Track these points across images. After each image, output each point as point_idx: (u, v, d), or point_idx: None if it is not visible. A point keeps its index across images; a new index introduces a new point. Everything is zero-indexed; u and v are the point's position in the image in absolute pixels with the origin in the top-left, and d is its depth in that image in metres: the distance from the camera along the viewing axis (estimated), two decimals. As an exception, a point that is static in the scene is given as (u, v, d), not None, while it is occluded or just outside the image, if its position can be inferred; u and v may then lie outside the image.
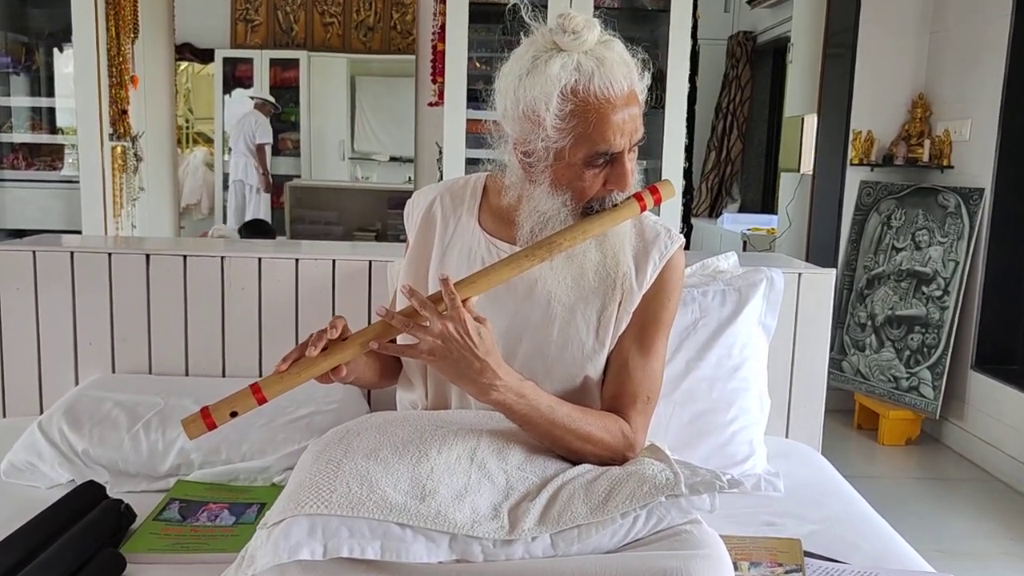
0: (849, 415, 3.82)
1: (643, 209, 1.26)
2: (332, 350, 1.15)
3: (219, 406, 1.12)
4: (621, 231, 1.29)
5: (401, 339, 1.24)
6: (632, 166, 1.24)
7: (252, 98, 4.98)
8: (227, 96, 5.33)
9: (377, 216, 5.13)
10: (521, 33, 1.23)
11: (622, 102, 1.17)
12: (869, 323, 3.65)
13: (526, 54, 1.19)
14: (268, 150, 4.98)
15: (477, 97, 3.03)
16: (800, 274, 1.94)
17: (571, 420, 1.23)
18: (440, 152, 3.53)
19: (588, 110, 1.16)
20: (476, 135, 3.02)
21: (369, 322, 1.91)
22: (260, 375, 1.92)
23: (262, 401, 1.13)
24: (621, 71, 1.18)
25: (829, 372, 3.56)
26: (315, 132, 5.65)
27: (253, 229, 4.51)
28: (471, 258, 1.35)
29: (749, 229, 5.02)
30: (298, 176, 5.53)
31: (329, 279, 1.91)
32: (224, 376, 1.93)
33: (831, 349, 3.67)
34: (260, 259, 1.91)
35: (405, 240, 1.46)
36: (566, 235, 1.22)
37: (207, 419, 1.11)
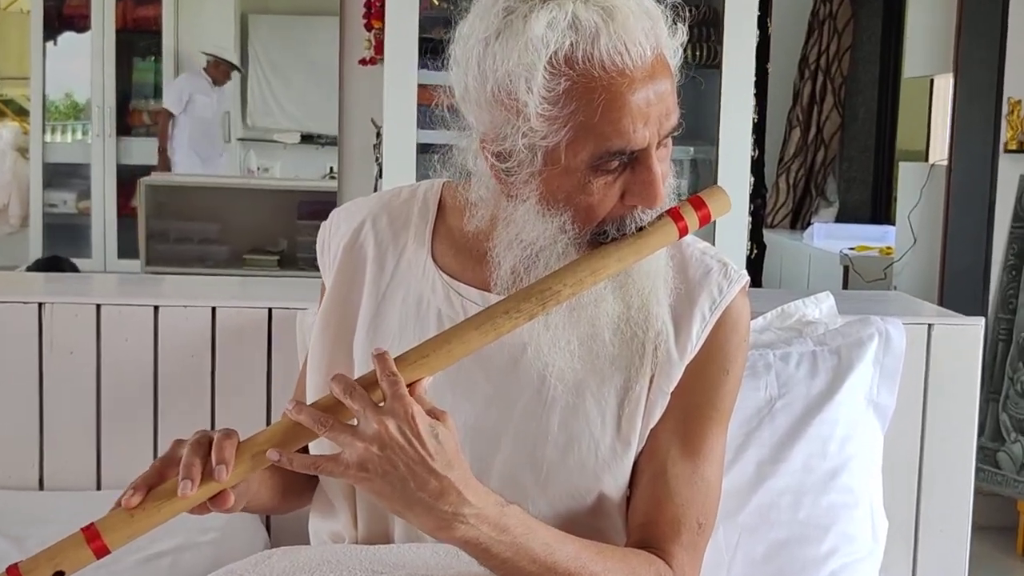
0: (1011, 535, 3.82)
1: (683, 233, 1.26)
2: (210, 470, 1.14)
3: (37, 562, 1.11)
4: (651, 268, 1.29)
5: (315, 447, 1.23)
6: (665, 168, 1.24)
7: (206, 55, 5.04)
8: (51, 44, 5.37)
9: (281, 230, 5.11)
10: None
11: (644, 74, 1.18)
12: (1038, 393, 3.67)
13: (495, 5, 1.20)
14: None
15: (433, 52, 3.05)
16: (930, 325, 1.94)
17: (580, 565, 1.21)
18: (378, 133, 3.54)
19: (592, 88, 1.17)
20: (432, 109, 3.02)
21: (269, 411, 1.91)
22: (98, 489, 1.91)
23: (102, 552, 1.12)
24: (640, 26, 1.18)
25: (978, 470, 3.56)
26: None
27: (48, 269, 4.52)
28: (422, 313, 1.36)
29: (852, 248, 5.05)
30: (156, 167, 5.55)
31: (207, 337, 1.91)
32: (41, 488, 1.92)
33: (980, 435, 3.68)
34: (99, 306, 1.91)
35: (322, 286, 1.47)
36: (567, 277, 1.22)
37: None
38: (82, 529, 1.13)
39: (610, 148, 1.19)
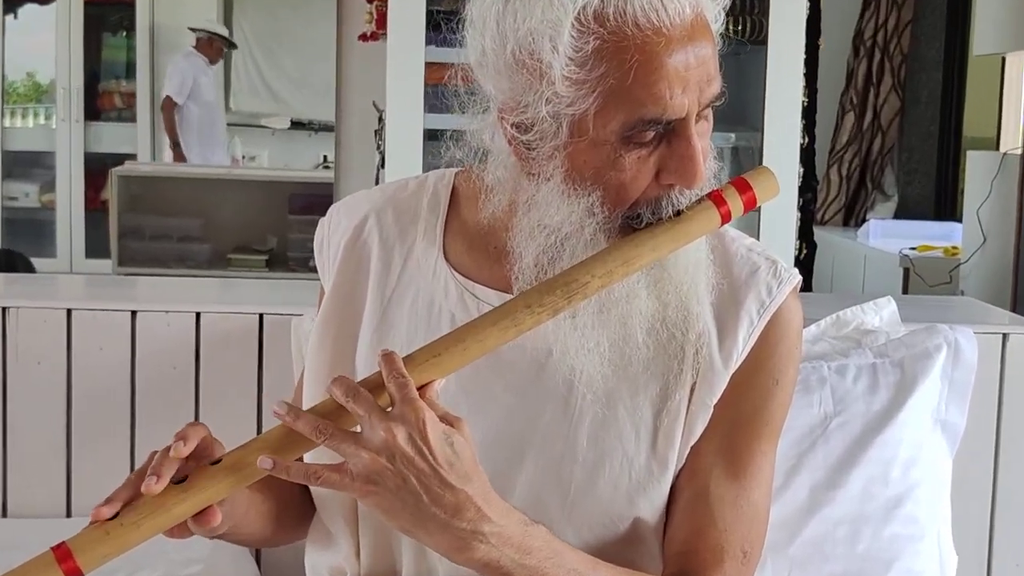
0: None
1: (726, 219, 1.27)
2: (193, 480, 1.15)
3: None
4: (690, 262, 1.29)
5: (312, 457, 1.23)
6: (705, 145, 1.25)
7: (195, 31, 5.05)
8: (10, 17, 5.40)
9: (270, 226, 5.13)
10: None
11: (682, 34, 1.18)
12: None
13: None
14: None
15: (443, 26, 3.05)
16: (1005, 334, 1.95)
17: (613, 597, 1.24)
18: (380, 118, 3.54)
19: (624, 48, 1.17)
20: (442, 89, 3.01)
21: (260, 430, 1.91)
22: (68, 516, 1.92)
23: (74, 575, 1.12)
24: (680, -18, 1.20)
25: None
26: (164, 78, 5.67)
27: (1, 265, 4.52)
28: (433, 318, 1.36)
29: (913, 248, 5.05)
30: (132, 157, 5.56)
31: (190, 346, 1.92)
32: (5, 515, 1.93)
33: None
34: (70, 311, 1.92)
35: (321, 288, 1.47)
36: (596, 267, 1.22)
37: None
38: (52, 548, 1.13)
39: (644, 116, 1.19)
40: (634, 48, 1.17)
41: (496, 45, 1.22)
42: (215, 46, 5.12)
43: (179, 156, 5.15)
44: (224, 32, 5.02)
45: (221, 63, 5.26)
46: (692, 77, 1.19)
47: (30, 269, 4.60)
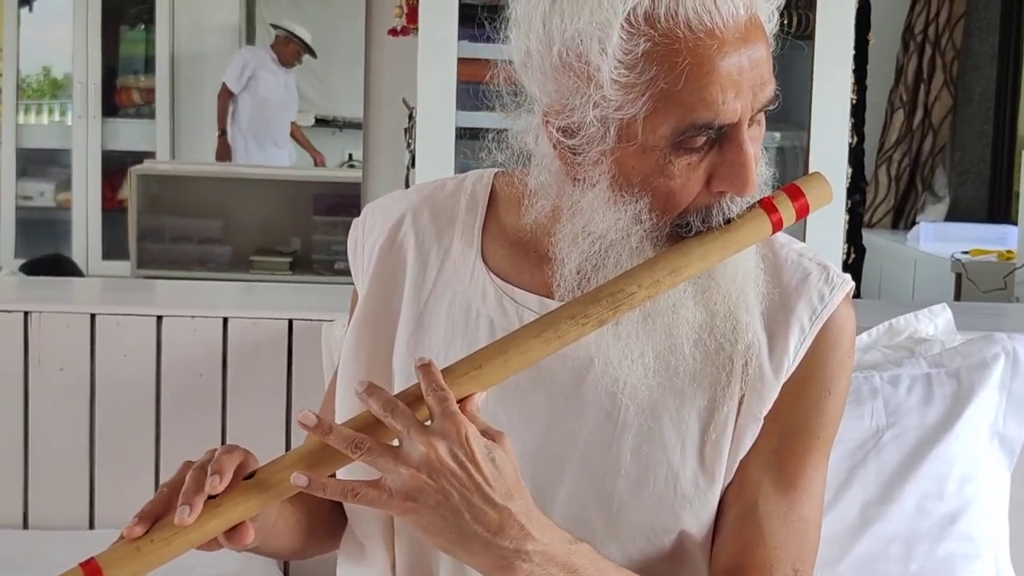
0: None
1: (777, 227, 1.27)
2: (226, 496, 1.16)
3: None
4: (739, 270, 1.30)
5: (347, 472, 1.24)
6: (757, 151, 1.25)
7: (275, 28, 5.02)
8: (25, 10, 5.43)
9: (294, 227, 5.13)
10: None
11: (736, 36, 1.18)
12: None
13: None
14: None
15: (478, 21, 3.05)
16: (1065, 343, 1.94)
17: (659, 616, 1.25)
18: (411, 116, 3.55)
19: (676, 51, 1.17)
20: (477, 86, 3.02)
21: (288, 440, 1.93)
22: (91, 528, 1.94)
23: (102, 595, 1.14)
24: (733, -18, 1.21)
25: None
26: (185, 74, 5.68)
27: (47, 270, 4.53)
28: (470, 323, 1.37)
29: (965, 252, 5.02)
30: (151, 155, 5.58)
31: (217, 352, 1.93)
32: (26, 527, 1.95)
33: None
34: (93, 316, 1.93)
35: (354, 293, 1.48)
36: (643, 277, 1.23)
37: None
38: (80, 564, 1.14)
39: (695, 121, 1.19)
40: (686, 51, 1.17)
41: (542, 46, 1.22)
42: (290, 48, 5.10)
43: (222, 150, 5.16)
44: (304, 35, 5.01)
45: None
46: (745, 81, 1.19)
47: (79, 275, 4.62)
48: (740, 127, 1.21)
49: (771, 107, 1.24)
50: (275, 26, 5.13)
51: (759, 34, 1.21)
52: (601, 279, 1.25)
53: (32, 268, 4.60)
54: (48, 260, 4.69)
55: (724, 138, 1.21)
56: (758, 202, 1.26)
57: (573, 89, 1.22)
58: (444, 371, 1.18)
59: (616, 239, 1.25)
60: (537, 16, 1.22)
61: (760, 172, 1.26)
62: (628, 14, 1.17)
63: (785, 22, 1.27)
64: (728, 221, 1.25)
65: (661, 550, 1.33)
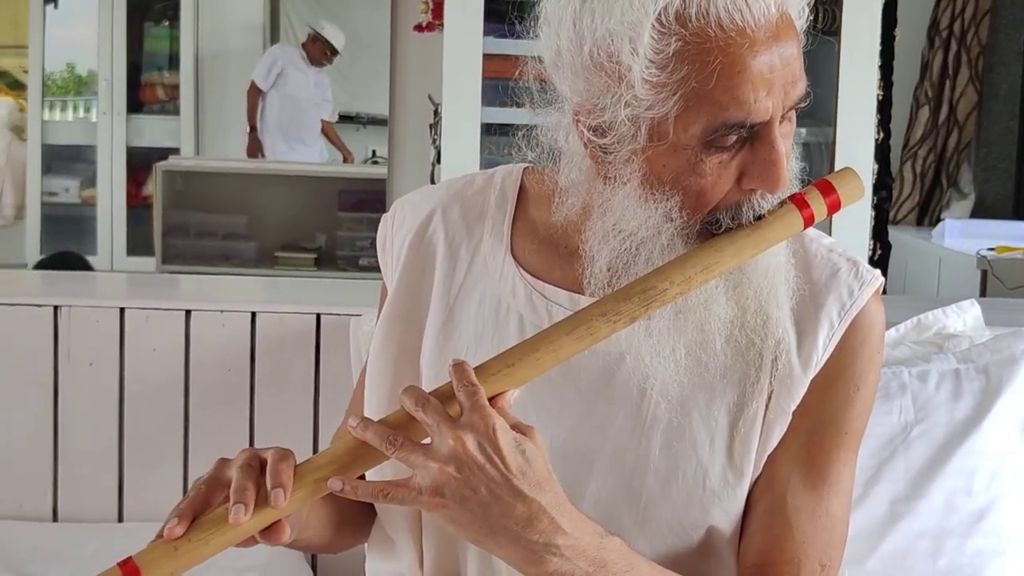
0: None
1: (808, 223, 1.27)
2: (263, 495, 1.15)
3: None
4: (769, 266, 1.30)
5: (375, 474, 1.25)
6: (788, 147, 1.25)
7: (310, 29, 5.02)
8: (50, 7, 5.45)
9: (318, 223, 5.14)
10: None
11: (767, 35, 1.18)
12: None
13: None
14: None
15: (505, 16, 3.05)
16: (1093, 339, 1.93)
17: (688, 610, 1.25)
18: (436, 112, 3.56)
19: (707, 50, 1.17)
20: (503, 81, 3.02)
21: (316, 433, 1.93)
22: (120, 521, 1.95)
23: (141, 594, 1.15)
24: (764, -20, 1.21)
25: None
26: (208, 70, 5.70)
27: (58, 266, 4.55)
28: (500, 319, 1.37)
29: (991, 249, 4.99)
30: (175, 151, 5.60)
31: (245, 347, 1.94)
32: (56, 520, 1.96)
33: None
34: (122, 310, 1.95)
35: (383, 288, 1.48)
36: (674, 273, 1.23)
37: None
38: (119, 564, 1.14)
39: (727, 120, 1.19)
40: (717, 50, 1.17)
41: (572, 46, 1.23)
42: (317, 47, 5.11)
43: (253, 147, 5.16)
44: (335, 39, 5.00)
45: (261, 54, 5.27)
46: (777, 79, 1.19)
47: (88, 270, 4.64)
48: (772, 125, 1.21)
49: (803, 104, 1.24)
50: (309, 26, 5.13)
51: (790, 32, 1.21)
52: (632, 276, 1.25)
53: (43, 267, 4.62)
54: (57, 258, 4.71)
55: (755, 136, 1.21)
56: (789, 198, 1.27)
57: (604, 88, 1.22)
58: (476, 369, 1.18)
59: (647, 237, 1.25)
60: (568, 15, 1.22)
61: (791, 167, 1.25)
62: (659, 14, 1.17)
63: (812, 18, 1.27)
64: (759, 218, 1.25)
65: (689, 545, 1.34)
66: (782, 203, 1.26)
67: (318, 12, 5.19)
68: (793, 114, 1.25)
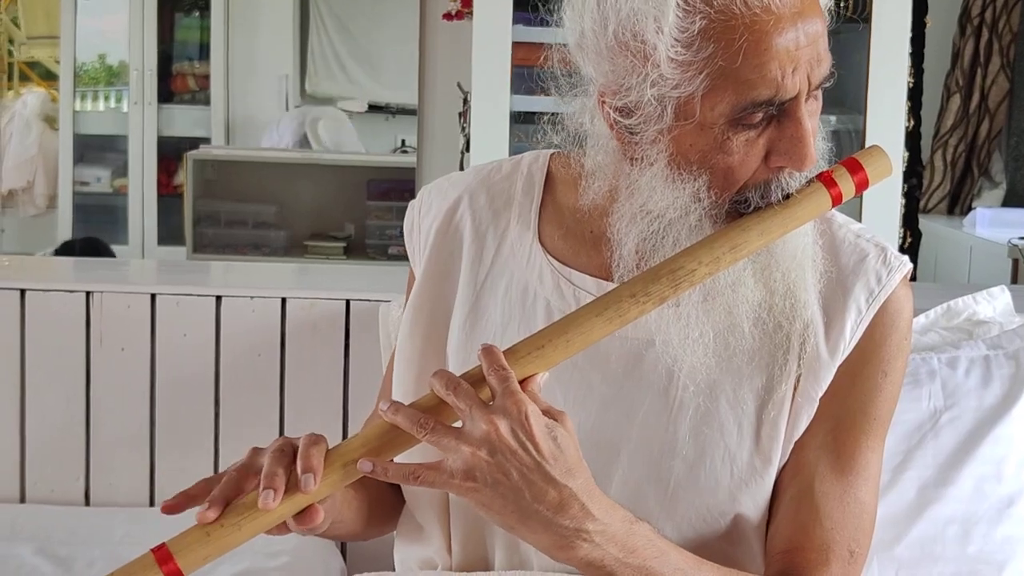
0: None
1: (836, 201, 1.27)
2: (295, 481, 1.16)
3: None
4: (797, 248, 1.30)
5: (404, 459, 1.23)
6: (815, 123, 1.25)
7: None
8: (82, 1, 5.47)
9: (347, 212, 5.15)
10: None
11: (792, 11, 1.18)
12: None
13: None
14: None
15: (533, 4, 3.05)
16: (1124, 326, 1.92)
17: (717, 596, 1.25)
18: (465, 100, 3.56)
19: (733, 28, 1.17)
20: (532, 69, 3.02)
21: (345, 418, 1.94)
22: (151, 505, 1.96)
23: (175, 578, 1.16)
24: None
25: None
26: (238, 61, 5.72)
27: (82, 252, 4.55)
28: (527, 305, 1.37)
29: (1022, 237, 4.97)
30: (207, 141, 5.63)
31: (275, 332, 1.95)
32: (88, 504, 1.97)
33: None
34: (153, 296, 1.96)
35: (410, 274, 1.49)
36: (702, 254, 1.23)
37: None
38: (152, 550, 1.15)
39: (754, 98, 1.19)
40: (743, 27, 1.17)
41: (597, 27, 1.23)
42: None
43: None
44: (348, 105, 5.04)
45: (295, 45, 5.29)
46: (803, 56, 1.19)
47: (111, 257, 4.66)
48: (798, 102, 1.21)
49: (828, 82, 1.23)
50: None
51: (815, 9, 1.21)
52: (660, 259, 1.25)
53: (64, 252, 4.63)
54: (83, 243, 4.72)
55: (782, 113, 1.21)
56: (817, 176, 1.26)
57: (629, 68, 1.22)
58: (506, 352, 1.19)
59: (675, 218, 1.25)
60: None
61: (818, 146, 1.25)
62: None
63: (843, 5, 1.27)
64: (787, 196, 1.25)
65: (717, 532, 1.34)
66: (810, 182, 1.26)
67: (347, 2, 5.19)
68: (819, 93, 1.25)
